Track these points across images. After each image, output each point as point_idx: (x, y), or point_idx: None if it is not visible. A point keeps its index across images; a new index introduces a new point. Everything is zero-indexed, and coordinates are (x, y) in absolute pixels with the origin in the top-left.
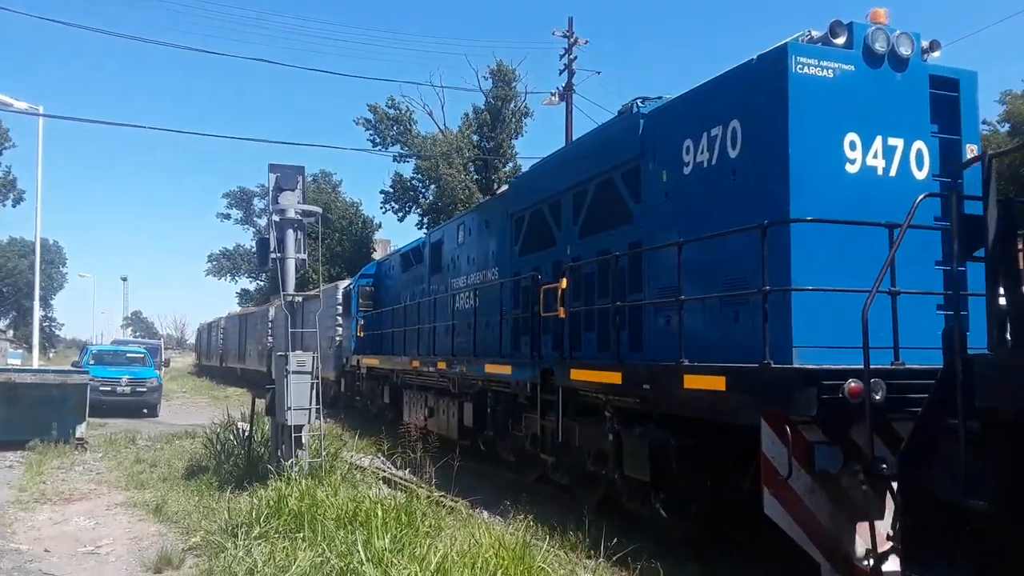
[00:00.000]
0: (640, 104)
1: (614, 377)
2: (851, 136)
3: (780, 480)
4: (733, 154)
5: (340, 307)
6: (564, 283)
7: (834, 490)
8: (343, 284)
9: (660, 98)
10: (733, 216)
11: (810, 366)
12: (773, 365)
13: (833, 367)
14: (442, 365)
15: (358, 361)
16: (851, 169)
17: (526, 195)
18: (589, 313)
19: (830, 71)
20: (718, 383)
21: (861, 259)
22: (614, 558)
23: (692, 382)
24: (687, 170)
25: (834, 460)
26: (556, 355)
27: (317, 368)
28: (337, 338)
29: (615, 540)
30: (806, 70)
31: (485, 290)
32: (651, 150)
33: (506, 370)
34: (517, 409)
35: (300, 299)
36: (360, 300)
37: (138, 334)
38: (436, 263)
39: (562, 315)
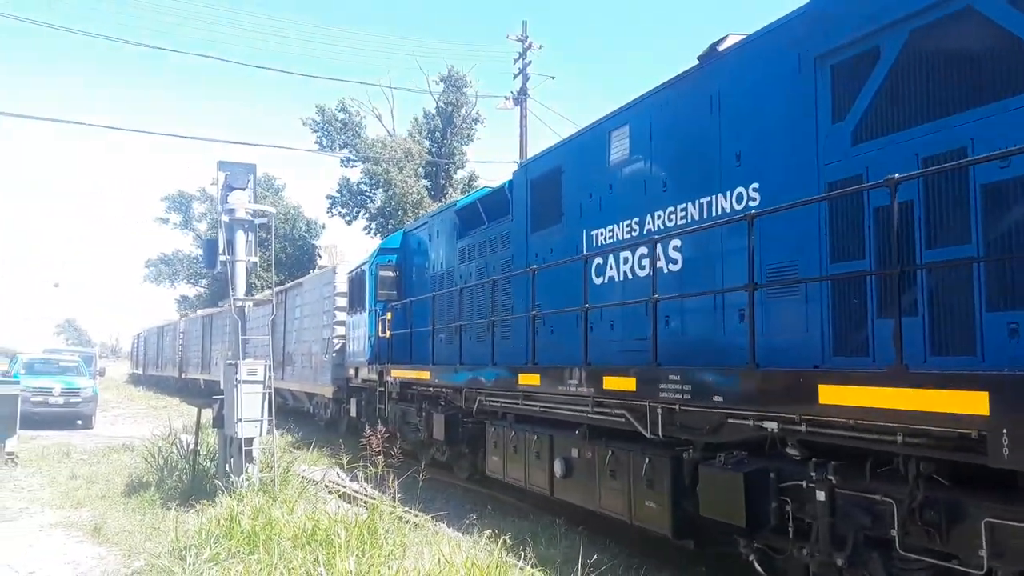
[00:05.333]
0: None
1: None
2: None
3: None
4: None
5: (339, 299)
6: None
7: None
8: (345, 268)
9: None
10: None
11: None
12: None
13: None
14: (624, 384)
15: (381, 373)
16: None
17: None
18: None
19: None
20: None
21: None
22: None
23: None
24: None
25: None
26: None
27: (269, 378)
28: (335, 339)
29: (595, 557)
30: None
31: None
32: None
33: None
34: None
35: (252, 304)
36: (380, 288)
37: (70, 342)
38: (549, 208)
39: None
